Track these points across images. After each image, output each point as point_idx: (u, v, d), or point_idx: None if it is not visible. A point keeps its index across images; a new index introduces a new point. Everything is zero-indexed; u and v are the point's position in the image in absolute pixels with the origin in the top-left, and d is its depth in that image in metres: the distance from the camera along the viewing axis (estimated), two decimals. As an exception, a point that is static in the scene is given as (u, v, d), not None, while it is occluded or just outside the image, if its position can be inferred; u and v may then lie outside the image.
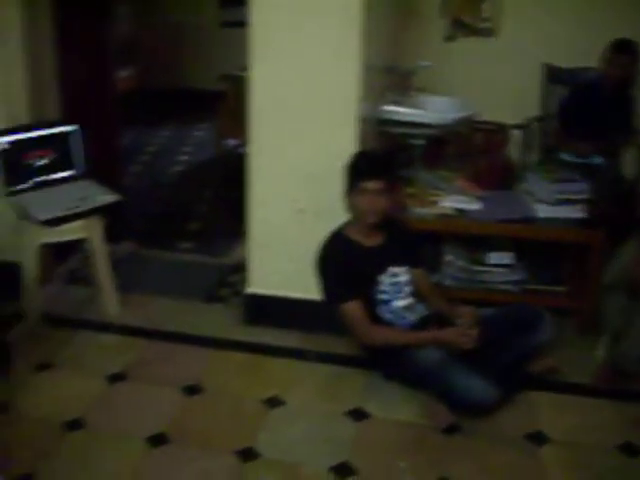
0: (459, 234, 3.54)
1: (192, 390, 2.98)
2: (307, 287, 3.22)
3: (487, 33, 4.26)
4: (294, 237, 3.28)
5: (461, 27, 4.22)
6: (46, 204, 3.22)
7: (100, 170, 3.63)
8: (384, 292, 3.04)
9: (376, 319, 3.01)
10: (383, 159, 3.19)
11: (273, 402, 2.91)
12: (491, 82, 4.37)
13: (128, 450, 2.63)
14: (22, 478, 2.45)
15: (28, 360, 3.16)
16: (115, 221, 3.68)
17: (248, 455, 2.60)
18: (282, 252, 3.33)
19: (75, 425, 2.76)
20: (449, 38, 4.19)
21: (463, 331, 2.89)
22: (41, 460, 2.56)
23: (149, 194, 5.36)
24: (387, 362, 3.01)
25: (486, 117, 4.09)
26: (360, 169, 2.97)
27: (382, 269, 3.05)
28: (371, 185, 2.93)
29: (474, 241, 3.54)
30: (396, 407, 2.89)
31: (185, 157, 6.34)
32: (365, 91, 3.11)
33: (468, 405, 2.80)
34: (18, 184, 3.33)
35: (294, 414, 2.85)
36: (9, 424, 2.78)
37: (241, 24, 3.28)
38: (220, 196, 5.33)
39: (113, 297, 3.52)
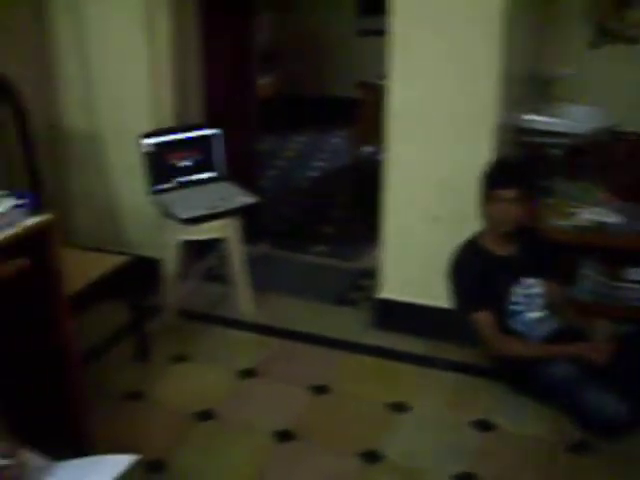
0: (597, 247, 3.42)
1: (319, 390, 3.03)
2: (438, 294, 3.21)
3: (634, 40, 4.09)
4: (427, 244, 3.27)
5: (606, 33, 4.08)
6: (188, 203, 3.35)
7: (239, 173, 3.75)
8: (517, 303, 2.99)
9: (507, 330, 2.97)
10: (519, 168, 3.14)
11: (399, 407, 2.91)
12: (636, 91, 4.20)
13: (255, 443, 2.70)
14: (154, 463, 2.57)
15: (164, 352, 3.31)
16: (252, 222, 3.79)
17: (372, 458, 2.62)
18: (415, 258, 3.33)
19: (206, 416, 2.87)
20: (594, 45, 4.06)
21: (597, 346, 2.80)
22: (172, 447, 2.68)
23: (285, 198, 5.49)
24: (516, 374, 2.95)
25: (630, 128, 3.93)
26: (495, 177, 2.94)
27: (516, 280, 3.00)
28: (506, 193, 2.89)
29: (613, 255, 3.42)
30: (524, 420, 2.83)
31: (321, 163, 6.44)
32: (503, 100, 3.07)
33: (600, 423, 2.69)
34: (162, 184, 3.48)
35: (420, 420, 2.84)
36: (144, 412, 2.93)
37: (378, 32, 3.31)
38: (354, 202, 5.38)
39: (247, 296, 3.62)
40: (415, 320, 3.39)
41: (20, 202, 2.26)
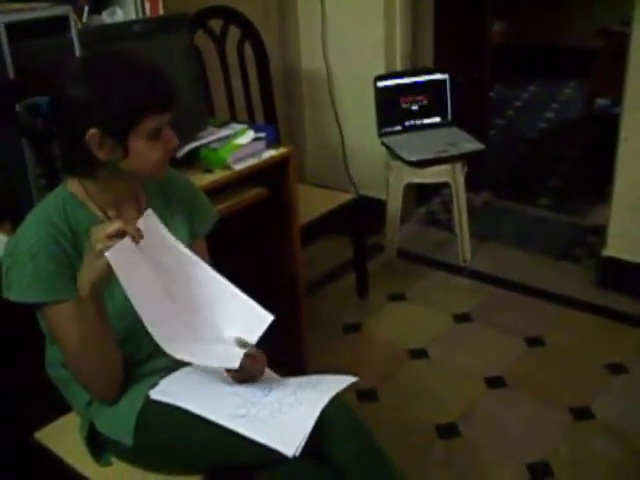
0: None
1: (534, 342, 3.00)
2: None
3: None
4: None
5: None
6: (415, 146, 3.39)
7: (468, 119, 3.73)
8: None
9: None
10: None
11: (616, 368, 2.82)
12: None
13: (465, 386, 2.75)
14: (366, 392, 2.71)
15: (383, 289, 3.42)
16: (477, 170, 3.77)
17: (583, 414, 2.58)
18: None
19: (419, 354, 2.95)
20: None
21: None
22: (384, 380, 2.80)
23: (511, 148, 5.37)
24: None
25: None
26: None
27: None
28: None
29: None
30: None
31: (552, 114, 6.22)
32: None
33: None
34: (392, 126, 3.55)
35: (638, 385, 2.74)
36: (360, 344, 3.07)
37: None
38: (585, 156, 5.17)
39: (467, 242, 3.63)
40: (641, 281, 3.24)
41: (260, 135, 2.42)
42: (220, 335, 1.60)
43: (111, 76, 1.45)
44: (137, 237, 1.42)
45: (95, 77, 1.46)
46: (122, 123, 1.46)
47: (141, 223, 1.48)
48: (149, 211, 1.54)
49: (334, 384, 1.57)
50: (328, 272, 3.59)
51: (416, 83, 3.59)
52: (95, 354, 1.51)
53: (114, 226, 1.39)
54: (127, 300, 1.47)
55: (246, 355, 1.55)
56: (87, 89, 1.45)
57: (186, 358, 1.53)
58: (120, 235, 1.39)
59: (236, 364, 1.52)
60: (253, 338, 1.61)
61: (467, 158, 3.46)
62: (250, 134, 2.37)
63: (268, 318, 1.62)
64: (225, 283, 1.63)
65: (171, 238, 1.57)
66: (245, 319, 1.62)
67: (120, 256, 1.39)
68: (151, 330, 1.47)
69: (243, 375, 1.61)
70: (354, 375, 1.60)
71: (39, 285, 1.51)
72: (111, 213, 1.59)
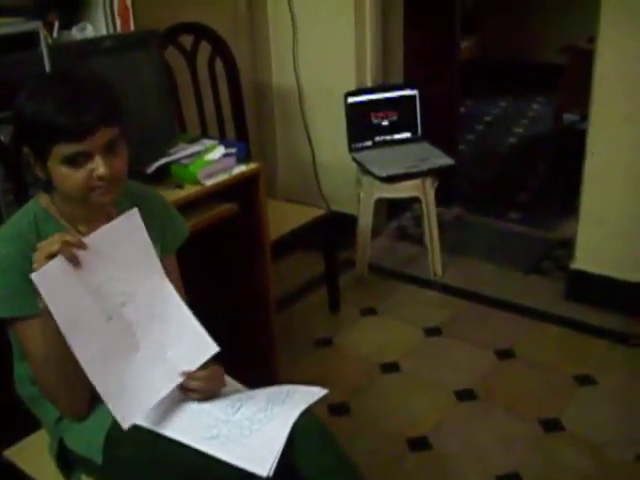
0: None
1: (504, 354, 3.02)
2: (638, 268, 3.09)
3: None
4: (631, 215, 3.15)
5: None
6: (386, 162, 3.42)
7: (438, 134, 3.76)
8: None
9: None
10: None
11: (585, 380, 2.85)
12: None
13: (436, 399, 2.77)
14: (338, 406, 2.72)
15: (354, 304, 3.44)
16: (447, 185, 3.80)
17: (552, 426, 2.60)
18: (615, 230, 3.19)
19: (390, 368, 2.97)
20: None
21: None
22: (356, 393, 2.81)
23: (482, 163, 5.43)
24: None
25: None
26: None
27: None
28: None
29: None
30: None
31: (521, 129, 6.29)
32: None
33: None
34: (362, 141, 3.58)
35: (605, 396, 2.77)
36: (332, 358, 3.08)
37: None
38: (553, 170, 5.23)
39: (438, 256, 3.65)
40: (611, 294, 3.27)
41: (230, 151, 2.43)
42: (162, 353, 1.59)
43: (34, 99, 1.45)
44: (74, 260, 1.40)
45: (27, 98, 1.46)
46: (38, 146, 1.47)
47: (123, 219, 1.50)
48: (134, 210, 1.53)
49: (304, 398, 1.57)
50: (299, 287, 3.59)
51: (386, 99, 3.62)
52: (59, 370, 1.50)
53: (53, 246, 1.38)
54: None
55: (199, 377, 1.57)
56: (19, 108, 1.46)
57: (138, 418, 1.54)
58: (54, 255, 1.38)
59: (177, 381, 1.56)
60: (193, 365, 1.60)
61: (437, 173, 3.49)
62: (220, 150, 2.38)
63: (213, 348, 1.61)
64: (181, 304, 1.62)
65: (149, 242, 1.57)
66: (191, 344, 1.61)
67: (48, 279, 1.38)
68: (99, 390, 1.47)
69: (203, 395, 1.61)
70: (326, 388, 1.60)
71: (9, 300, 1.51)
72: (82, 229, 1.58)
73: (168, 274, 1.70)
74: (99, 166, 1.46)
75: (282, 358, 2.82)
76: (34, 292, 1.45)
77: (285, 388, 1.64)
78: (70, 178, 1.47)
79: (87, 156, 1.45)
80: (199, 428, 1.54)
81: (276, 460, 1.44)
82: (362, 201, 3.54)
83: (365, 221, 3.56)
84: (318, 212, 3.22)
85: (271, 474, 1.43)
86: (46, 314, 1.41)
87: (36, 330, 1.50)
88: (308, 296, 3.53)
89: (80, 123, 1.42)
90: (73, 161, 1.45)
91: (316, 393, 1.59)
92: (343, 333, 3.23)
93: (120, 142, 1.50)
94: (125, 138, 1.53)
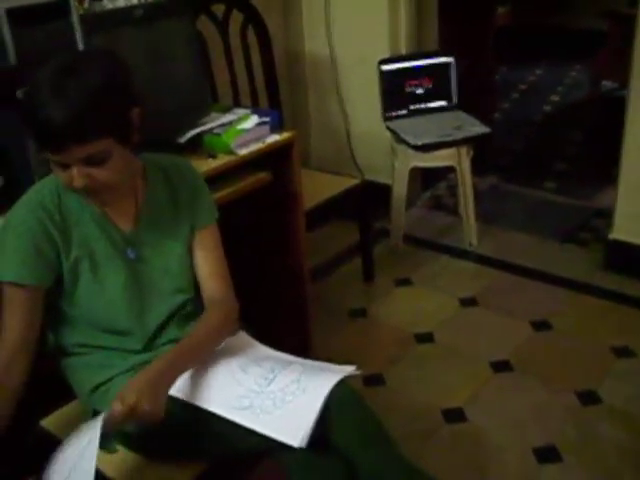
0: None
1: (540, 325, 2.99)
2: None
3: None
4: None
5: None
6: (420, 130, 3.37)
7: (472, 103, 3.70)
8: None
9: None
10: None
11: (622, 351, 2.80)
12: None
13: (471, 370, 2.75)
14: (372, 377, 2.71)
15: (389, 274, 3.42)
16: (481, 154, 3.75)
17: (589, 398, 2.57)
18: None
19: (425, 338, 2.95)
20: None
21: None
22: (390, 364, 2.79)
23: (516, 131, 5.34)
24: None
25: None
26: None
27: None
28: None
29: None
30: None
31: (557, 97, 6.18)
32: None
33: None
34: (396, 110, 3.53)
35: (643, 367, 2.74)
36: (366, 328, 3.07)
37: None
38: (590, 139, 5.14)
39: (473, 226, 3.61)
40: (650, 265, 3.22)
41: (264, 120, 2.40)
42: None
43: (27, 94, 1.43)
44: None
45: (26, 88, 1.45)
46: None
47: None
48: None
49: (338, 372, 1.56)
50: (333, 257, 3.57)
51: (421, 66, 3.56)
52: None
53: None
54: (117, 292, 1.48)
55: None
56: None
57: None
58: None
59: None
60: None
61: (473, 142, 3.43)
62: (254, 119, 2.35)
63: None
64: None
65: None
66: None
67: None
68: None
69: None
70: (361, 359, 1.59)
71: (17, 265, 1.51)
72: (106, 198, 1.56)
73: (205, 248, 1.70)
74: (74, 178, 1.44)
75: (317, 328, 2.81)
76: (41, 263, 1.50)
77: (319, 364, 1.64)
78: (58, 174, 1.47)
79: (66, 164, 1.43)
80: (232, 399, 1.54)
81: (309, 430, 1.43)
82: (397, 170, 3.50)
83: (400, 190, 3.52)
84: (352, 181, 3.19)
85: (304, 445, 1.42)
86: None
87: (24, 301, 1.52)
88: (342, 266, 3.51)
89: (51, 138, 1.38)
90: (58, 164, 1.44)
91: (349, 370, 1.58)
92: (377, 303, 3.21)
93: (106, 153, 1.43)
94: (122, 144, 1.46)
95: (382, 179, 3.75)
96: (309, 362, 1.65)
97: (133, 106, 1.47)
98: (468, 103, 3.63)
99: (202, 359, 1.60)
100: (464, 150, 3.43)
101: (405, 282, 3.36)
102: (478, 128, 3.40)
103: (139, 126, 1.51)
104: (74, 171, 1.43)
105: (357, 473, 1.49)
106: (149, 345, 1.66)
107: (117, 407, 1.39)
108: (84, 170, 1.43)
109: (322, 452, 1.48)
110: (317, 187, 3.02)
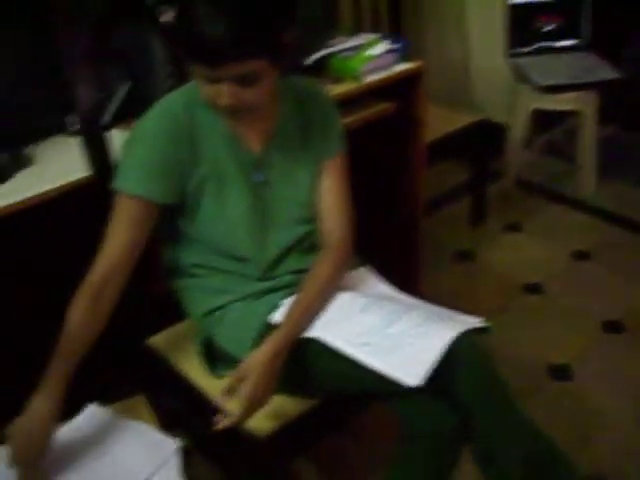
0: None
1: (658, 287, 2.84)
2: None
3: None
4: None
5: None
6: (547, 70, 3.19)
7: (606, 43, 3.47)
8: None
9: None
10: None
11: None
12: None
13: (580, 327, 2.63)
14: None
15: (499, 218, 3.31)
16: (608, 100, 3.53)
17: None
18: None
19: (533, 289, 2.84)
20: None
21: None
22: (495, 313, 2.69)
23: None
24: None
25: None
26: None
27: None
28: None
29: None
30: None
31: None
32: None
33: None
34: (522, 46, 3.35)
35: None
36: (473, 273, 2.98)
37: None
38: None
39: (591, 176, 3.44)
40: None
41: (394, 47, 2.29)
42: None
43: (183, 4, 1.35)
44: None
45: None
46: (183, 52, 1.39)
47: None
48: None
49: (465, 322, 1.49)
50: (442, 196, 3.47)
51: (553, 2, 3.34)
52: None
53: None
54: (240, 216, 1.48)
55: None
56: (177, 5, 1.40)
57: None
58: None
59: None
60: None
61: (600, 87, 3.23)
62: (383, 45, 2.24)
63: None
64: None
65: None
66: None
67: None
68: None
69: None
70: (467, 304, 1.51)
71: (141, 174, 1.46)
72: (239, 130, 1.51)
73: (330, 177, 1.63)
74: (222, 95, 1.38)
75: (424, 268, 2.73)
76: (166, 178, 1.46)
77: (445, 310, 1.56)
78: (202, 88, 1.40)
79: (217, 80, 1.37)
80: (351, 335, 1.48)
81: (429, 371, 1.37)
82: (517, 111, 3.34)
83: (518, 132, 3.36)
84: (470, 119, 3.07)
85: (422, 383, 1.36)
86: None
87: (139, 215, 1.47)
88: (451, 206, 3.41)
89: (209, 54, 1.32)
90: (208, 78, 1.37)
91: (477, 322, 1.50)
92: (485, 247, 3.11)
93: (258, 74, 1.37)
94: (274, 66, 1.39)
95: (500, 118, 3.58)
96: (435, 308, 1.57)
97: (289, 28, 1.39)
98: (601, 44, 3.39)
99: (314, 318, 1.54)
100: (590, 95, 3.23)
101: (515, 228, 3.24)
102: (609, 73, 3.20)
103: (291, 50, 1.43)
104: (224, 88, 1.37)
105: (472, 428, 1.42)
106: (268, 273, 1.61)
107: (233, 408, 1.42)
108: (233, 88, 1.37)
109: (437, 400, 1.43)
110: (436, 122, 2.88)
